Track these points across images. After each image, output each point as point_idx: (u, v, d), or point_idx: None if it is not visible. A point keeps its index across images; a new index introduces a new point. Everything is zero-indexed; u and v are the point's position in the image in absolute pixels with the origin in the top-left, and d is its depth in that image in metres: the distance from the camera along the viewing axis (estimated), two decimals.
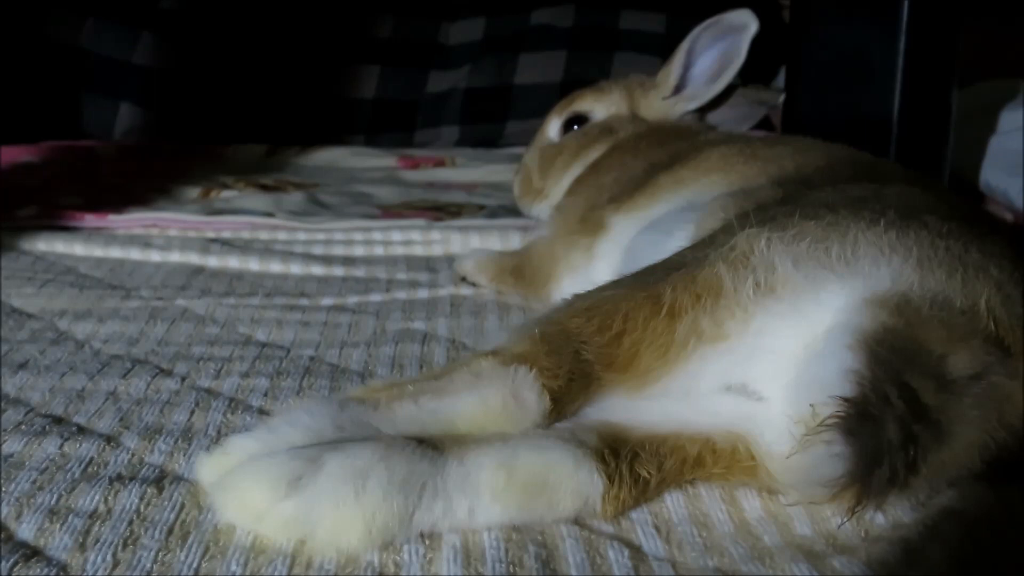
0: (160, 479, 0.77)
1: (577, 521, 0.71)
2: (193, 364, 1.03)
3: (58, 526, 0.69)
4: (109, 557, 0.65)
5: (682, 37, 1.45)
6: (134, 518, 0.70)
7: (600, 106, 1.51)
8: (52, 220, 1.63)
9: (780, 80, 2.28)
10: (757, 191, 1.00)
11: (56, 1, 2.51)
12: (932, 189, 1.02)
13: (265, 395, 0.95)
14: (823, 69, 1.77)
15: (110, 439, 0.84)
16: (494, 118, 2.48)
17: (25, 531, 0.69)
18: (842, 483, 0.64)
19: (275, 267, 1.45)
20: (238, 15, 2.58)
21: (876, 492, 0.65)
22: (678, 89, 1.47)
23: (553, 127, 1.55)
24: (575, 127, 1.52)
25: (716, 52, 1.44)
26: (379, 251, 1.55)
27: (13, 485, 0.75)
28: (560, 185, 1.46)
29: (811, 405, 0.67)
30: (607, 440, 0.74)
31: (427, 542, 0.68)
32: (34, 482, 0.76)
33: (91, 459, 0.80)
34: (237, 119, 2.48)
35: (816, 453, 0.65)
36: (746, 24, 1.41)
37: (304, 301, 1.29)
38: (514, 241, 1.55)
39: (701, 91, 1.46)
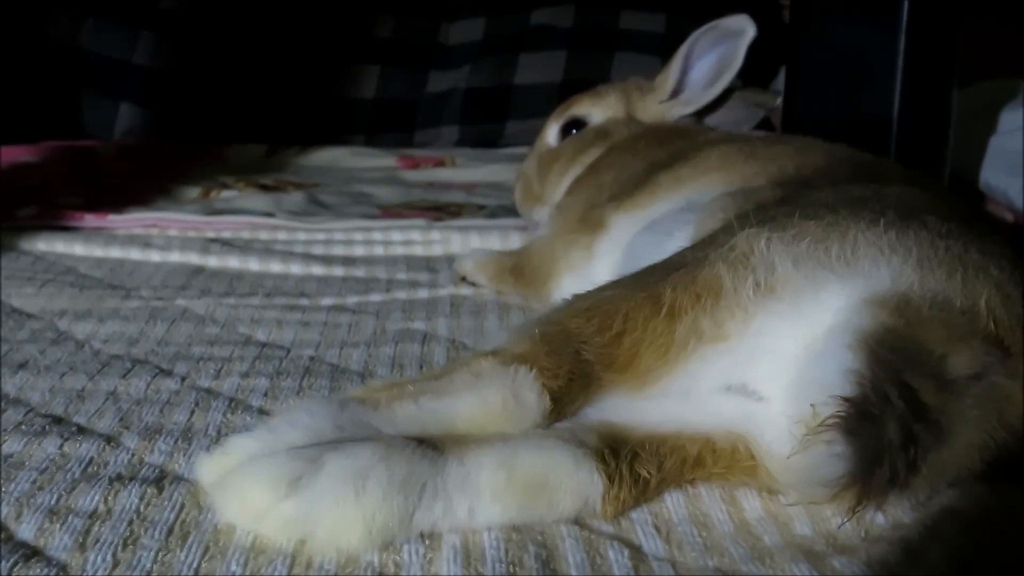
0: (160, 479, 0.77)
1: (577, 521, 0.71)
2: (193, 364, 1.03)
3: (58, 526, 0.69)
4: (109, 557, 0.65)
5: (682, 37, 1.45)
6: (134, 518, 0.70)
7: (597, 110, 1.51)
8: (52, 220, 1.63)
9: (780, 81, 2.28)
10: (757, 191, 1.00)
11: (56, 1, 2.51)
12: (932, 189, 1.02)
13: (265, 395, 0.95)
14: (823, 69, 1.77)
15: (110, 439, 0.84)
16: (494, 118, 2.48)
17: (25, 531, 0.69)
18: (842, 483, 0.64)
19: (275, 267, 1.45)
20: (238, 15, 2.58)
21: (876, 492, 0.65)
22: (676, 93, 1.47)
23: (551, 132, 1.55)
24: (573, 131, 1.52)
25: (714, 57, 1.44)
26: (379, 251, 1.55)
27: (13, 485, 0.75)
28: (558, 190, 1.46)
29: (811, 405, 0.67)
30: (607, 440, 0.74)
31: (427, 542, 0.68)
32: (34, 482, 0.76)
33: (91, 459, 0.80)
34: (237, 119, 2.48)
35: (816, 453, 0.65)
36: (743, 29, 1.41)
37: (304, 301, 1.29)
38: (514, 241, 1.55)
39: (698, 95, 1.46)
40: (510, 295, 1.33)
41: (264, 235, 1.61)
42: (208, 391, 0.96)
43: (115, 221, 1.63)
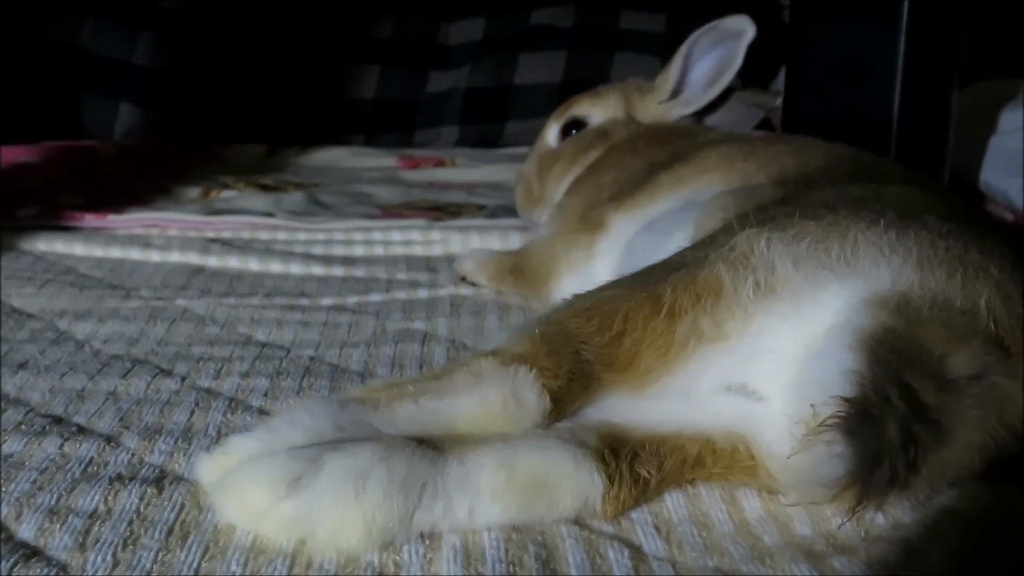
0: (160, 479, 0.77)
1: (577, 521, 0.71)
2: (193, 364, 1.03)
3: (58, 526, 0.69)
4: (109, 557, 0.65)
5: (682, 37, 1.45)
6: (134, 518, 0.70)
7: (597, 110, 1.51)
8: (52, 220, 1.63)
9: (780, 81, 2.28)
10: (757, 190, 1.00)
11: (56, 1, 2.51)
12: (932, 189, 1.02)
13: (265, 395, 0.95)
14: (823, 69, 1.77)
15: (110, 439, 0.84)
16: (494, 118, 2.48)
17: (25, 531, 0.69)
18: (843, 483, 0.64)
19: (275, 267, 1.45)
20: (238, 15, 2.58)
21: (876, 492, 0.65)
22: (675, 93, 1.47)
23: (551, 133, 1.55)
24: (573, 132, 1.52)
25: (713, 57, 1.44)
26: (379, 251, 1.55)
27: (13, 485, 0.75)
28: (558, 190, 1.46)
29: (811, 405, 0.67)
30: (607, 440, 0.74)
31: (427, 542, 0.68)
32: (34, 482, 0.75)
33: (91, 459, 0.80)
34: (237, 119, 2.48)
35: (817, 453, 0.65)
36: (743, 30, 1.42)
37: (304, 301, 1.29)
38: (514, 241, 1.55)
39: (698, 96, 1.46)
40: (510, 295, 1.33)
41: (264, 235, 1.61)
42: (208, 391, 0.96)
43: (115, 221, 1.63)
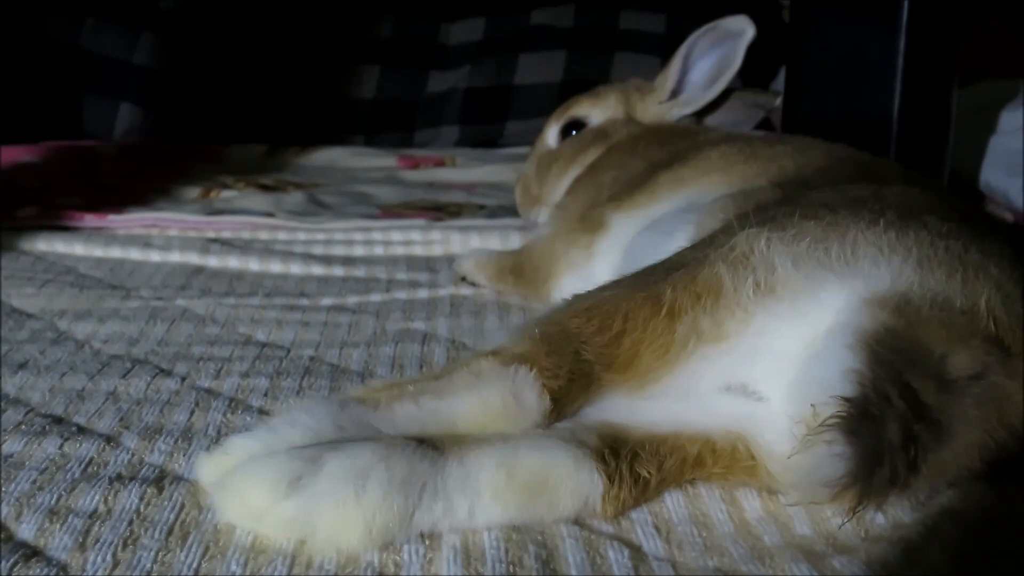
0: (160, 479, 0.77)
1: (577, 521, 0.71)
2: (193, 364, 1.03)
3: (58, 526, 0.69)
4: (109, 557, 0.65)
5: (682, 37, 1.46)
6: (134, 518, 0.70)
7: (596, 111, 1.51)
8: (52, 220, 1.63)
9: (780, 81, 2.28)
10: (757, 191, 1.00)
11: (56, 1, 2.51)
12: (932, 189, 1.02)
13: (265, 395, 0.95)
14: (823, 69, 1.77)
15: (110, 439, 0.84)
16: (494, 118, 2.49)
17: (25, 531, 0.69)
18: (843, 483, 0.64)
19: (275, 267, 1.45)
20: (238, 15, 2.58)
21: (877, 492, 0.64)
22: (675, 93, 1.47)
23: (551, 134, 1.55)
24: (573, 132, 1.52)
25: (713, 57, 1.44)
26: (379, 251, 1.56)
27: (13, 485, 0.75)
28: (557, 191, 1.47)
29: (812, 405, 0.67)
30: (607, 440, 0.74)
31: (427, 542, 0.68)
32: (34, 482, 0.76)
33: (91, 459, 0.80)
34: (237, 119, 2.48)
35: (817, 453, 0.65)
36: (743, 30, 1.42)
37: (304, 301, 1.29)
38: (514, 241, 1.55)
39: (698, 96, 1.46)
40: (510, 295, 1.33)
41: (264, 235, 1.61)
42: (208, 391, 0.96)
43: (115, 221, 1.63)
